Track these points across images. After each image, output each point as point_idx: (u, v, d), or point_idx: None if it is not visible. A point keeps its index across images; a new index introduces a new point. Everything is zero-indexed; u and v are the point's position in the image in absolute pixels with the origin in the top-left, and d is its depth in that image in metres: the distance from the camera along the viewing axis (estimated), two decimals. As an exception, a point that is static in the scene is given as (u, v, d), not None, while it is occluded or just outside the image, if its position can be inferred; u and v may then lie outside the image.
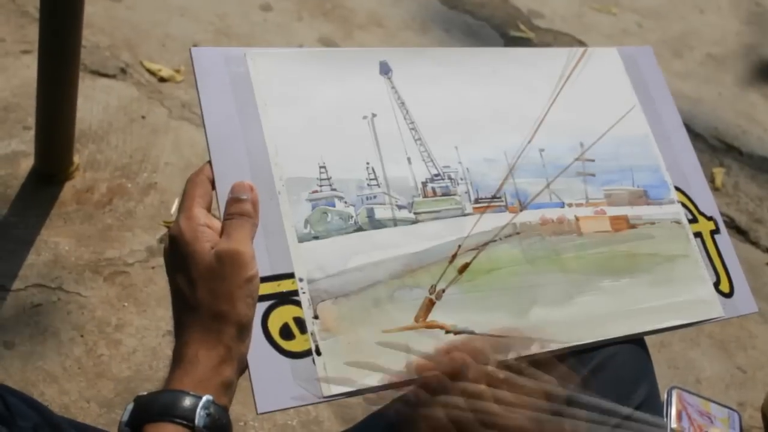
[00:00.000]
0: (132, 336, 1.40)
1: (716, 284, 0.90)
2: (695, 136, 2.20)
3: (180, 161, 1.70)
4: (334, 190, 0.77)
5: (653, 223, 0.89)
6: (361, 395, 0.72)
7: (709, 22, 2.73)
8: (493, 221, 0.82)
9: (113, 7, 2.02)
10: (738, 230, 2.00)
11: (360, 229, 0.76)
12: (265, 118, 0.77)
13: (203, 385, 0.64)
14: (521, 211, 0.84)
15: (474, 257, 0.79)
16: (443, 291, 0.77)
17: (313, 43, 2.13)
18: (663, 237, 0.89)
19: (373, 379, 0.71)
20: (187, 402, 0.62)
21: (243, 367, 0.68)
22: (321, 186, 0.76)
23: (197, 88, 0.75)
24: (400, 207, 0.79)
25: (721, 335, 1.74)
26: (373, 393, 0.72)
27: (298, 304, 0.72)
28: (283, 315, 0.71)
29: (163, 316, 1.43)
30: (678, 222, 0.91)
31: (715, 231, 0.93)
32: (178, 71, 1.90)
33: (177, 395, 0.63)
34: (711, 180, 2.08)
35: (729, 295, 0.90)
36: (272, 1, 2.21)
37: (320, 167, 0.77)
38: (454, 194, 0.81)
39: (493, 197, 0.83)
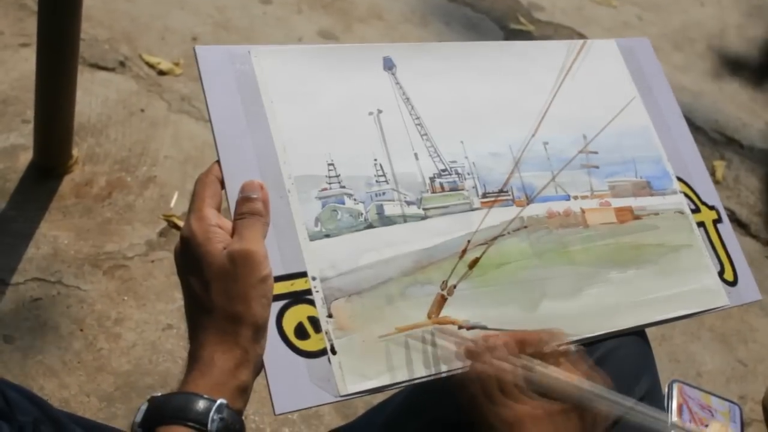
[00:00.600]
0: (132, 330, 1.39)
1: (720, 273, 0.90)
2: (696, 129, 2.20)
3: (179, 154, 1.69)
4: (344, 187, 0.76)
5: (657, 214, 0.90)
6: (377, 393, 0.72)
7: (709, 14, 2.72)
8: (500, 215, 0.82)
9: (112, 0, 2.02)
10: (739, 223, 2.00)
11: (370, 226, 0.76)
12: (272, 116, 0.76)
13: (218, 388, 0.63)
14: (528, 204, 0.84)
15: (483, 252, 0.79)
16: (454, 287, 0.77)
17: (312, 36, 2.13)
18: (667, 227, 0.90)
19: (389, 377, 0.71)
20: (201, 405, 0.62)
21: (259, 369, 0.67)
22: (330, 183, 0.76)
23: (203, 87, 0.75)
24: (408, 203, 0.78)
25: (722, 328, 1.74)
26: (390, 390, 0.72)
27: (311, 303, 0.71)
28: (298, 314, 0.70)
29: (163, 309, 1.43)
30: (681, 212, 0.91)
31: (718, 220, 0.94)
32: (177, 64, 1.90)
33: (191, 398, 0.62)
34: (712, 173, 2.08)
35: (733, 283, 0.91)
36: (271, -6, 2.21)
37: (328, 165, 0.77)
38: (462, 189, 0.81)
39: (500, 191, 0.83)
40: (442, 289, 0.76)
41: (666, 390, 1.49)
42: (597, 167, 0.89)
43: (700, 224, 0.92)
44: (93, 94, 1.77)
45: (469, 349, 0.72)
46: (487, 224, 0.81)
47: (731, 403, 1.52)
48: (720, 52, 2.56)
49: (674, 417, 1.45)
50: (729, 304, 0.89)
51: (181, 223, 1.54)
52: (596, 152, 0.90)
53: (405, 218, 0.78)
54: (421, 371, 0.73)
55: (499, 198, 0.83)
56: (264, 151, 0.75)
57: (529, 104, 0.89)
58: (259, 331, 0.66)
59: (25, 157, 1.59)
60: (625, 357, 0.84)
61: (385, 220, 0.77)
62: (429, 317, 0.75)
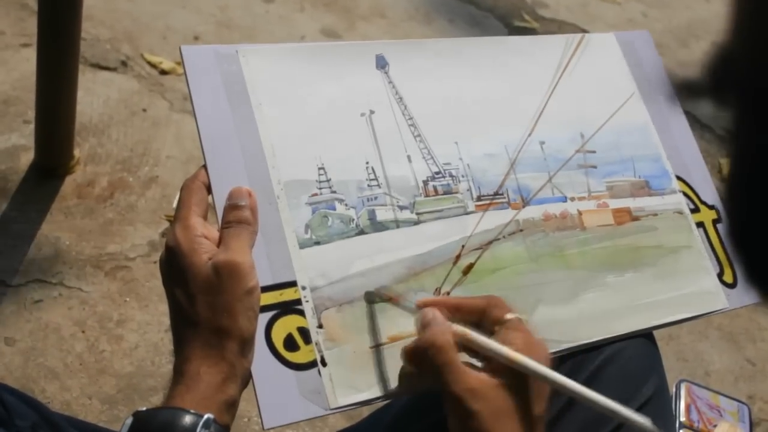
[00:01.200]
0: (134, 331, 1.38)
1: (720, 275, 0.89)
2: (702, 126, 2.18)
3: (182, 154, 1.69)
4: (334, 192, 0.74)
5: (656, 215, 0.88)
6: (369, 405, 0.71)
7: (715, 11, 2.70)
8: (495, 219, 0.80)
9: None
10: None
11: (362, 232, 0.74)
12: (261, 119, 0.74)
13: (205, 403, 0.62)
14: (524, 207, 0.82)
15: (478, 257, 0.77)
16: (448, 293, 0.75)
17: (315, 34, 2.11)
18: (666, 228, 0.88)
19: (381, 388, 0.70)
20: (187, 420, 0.60)
21: (246, 382, 0.66)
22: (320, 188, 0.74)
23: (189, 89, 0.73)
24: (401, 208, 0.77)
25: (730, 327, 1.72)
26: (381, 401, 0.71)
27: (301, 313, 0.70)
28: (287, 325, 0.69)
29: (165, 311, 1.42)
30: (680, 212, 0.90)
31: (717, 220, 0.92)
32: (179, 64, 1.89)
33: (177, 413, 0.61)
34: (719, 170, 2.06)
35: (732, 285, 0.89)
36: (274, -8, 2.20)
37: (319, 169, 0.74)
38: (456, 192, 0.80)
39: (495, 194, 0.81)
40: (436, 296, 0.74)
41: (674, 390, 1.48)
42: (595, 167, 0.87)
43: (700, 224, 0.90)
44: (94, 94, 1.76)
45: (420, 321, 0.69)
46: (482, 228, 0.79)
47: (740, 403, 1.51)
48: (726, 48, 2.55)
49: (682, 417, 1.44)
50: (728, 306, 0.87)
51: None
52: (594, 151, 0.88)
53: (398, 223, 0.76)
54: (414, 383, 0.71)
55: (494, 201, 0.81)
56: (252, 155, 0.73)
57: (525, 102, 0.87)
58: (246, 344, 0.65)
59: (27, 158, 1.59)
60: (632, 357, 0.82)
61: (378, 226, 0.75)
62: None
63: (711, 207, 0.92)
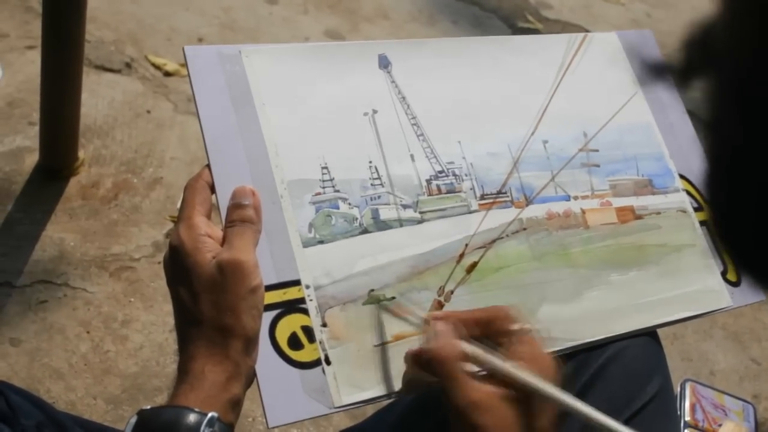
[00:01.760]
0: (139, 332, 1.39)
1: (723, 273, 0.89)
2: (707, 126, 2.18)
3: (186, 156, 1.69)
4: (338, 191, 0.74)
5: (659, 213, 0.88)
6: (373, 403, 0.71)
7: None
8: (499, 217, 0.80)
9: (118, 1, 2.01)
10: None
11: (365, 231, 0.74)
12: (264, 119, 0.74)
13: (210, 401, 0.62)
14: (527, 205, 0.82)
15: (481, 256, 0.78)
16: (452, 292, 0.75)
17: (319, 36, 2.12)
18: (670, 227, 0.88)
19: (385, 387, 0.70)
20: (192, 419, 0.60)
21: (250, 381, 0.66)
22: (324, 187, 0.74)
23: (192, 89, 0.73)
24: (405, 206, 0.77)
25: (735, 327, 1.72)
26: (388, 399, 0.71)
27: (305, 312, 0.70)
28: (291, 324, 0.69)
29: (170, 311, 1.42)
30: (684, 211, 0.90)
31: None
32: (183, 65, 1.88)
33: (181, 411, 0.61)
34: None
35: (736, 284, 0.89)
36: (278, -7, 2.20)
37: (322, 168, 0.75)
38: (459, 191, 0.80)
39: (499, 192, 0.81)
40: (439, 295, 0.74)
41: (678, 389, 1.48)
42: (598, 166, 0.87)
43: (703, 223, 0.90)
44: (99, 96, 1.77)
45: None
46: (485, 227, 0.79)
47: (745, 402, 1.50)
48: (730, 48, 2.54)
49: (687, 416, 1.43)
50: (732, 305, 0.87)
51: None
52: (597, 150, 0.88)
53: (401, 222, 0.76)
54: (417, 381, 0.71)
55: (498, 199, 0.81)
56: (256, 154, 0.73)
57: (528, 101, 0.87)
58: (250, 343, 0.65)
59: (31, 160, 1.59)
60: (636, 356, 0.82)
61: (381, 225, 0.75)
62: (426, 324, 0.73)
63: None
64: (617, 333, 0.81)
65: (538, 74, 0.89)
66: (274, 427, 0.66)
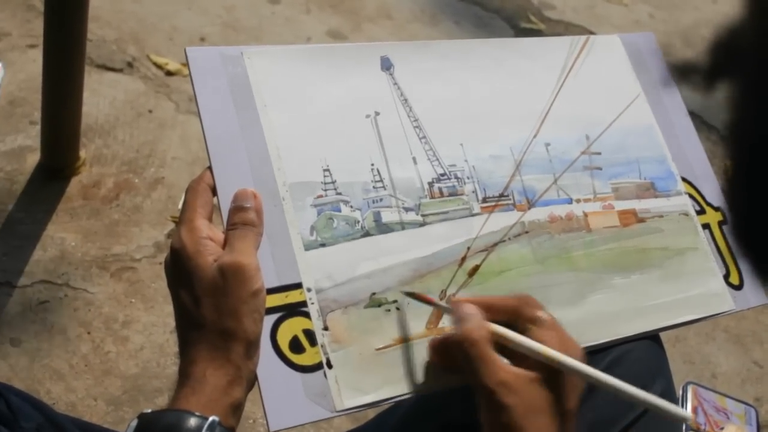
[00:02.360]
0: (139, 333, 1.38)
1: (726, 276, 0.88)
2: (709, 127, 2.18)
3: (187, 156, 1.68)
4: (340, 194, 0.74)
5: (662, 216, 0.88)
6: (375, 407, 0.70)
7: (722, 12, 2.69)
8: (501, 221, 0.80)
9: (120, 1, 2.01)
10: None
11: (367, 234, 0.74)
12: (266, 121, 0.74)
13: (211, 405, 0.62)
14: (529, 208, 0.82)
15: (484, 259, 0.77)
16: (454, 296, 0.75)
17: (321, 36, 2.11)
18: (672, 230, 0.88)
19: (387, 390, 0.70)
20: (193, 423, 0.60)
21: (251, 385, 0.66)
22: (326, 190, 0.74)
23: (194, 91, 0.73)
24: (407, 209, 0.76)
25: (737, 329, 1.72)
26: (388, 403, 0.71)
27: (307, 315, 0.69)
28: (293, 327, 0.68)
29: (171, 312, 1.41)
30: (686, 214, 0.89)
31: (723, 222, 0.91)
32: (185, 65, 1.87)
33: (182, 415, 0.60)
34: (725, 171, 2.05)
35: (739, 287, 0.89)
36: (280, -7, 2.20)
37: (324, 170, 0.74)
38: (462, 194, 0.79)
39: (501, 195, 0.81)
40: (441, 299, 0.74)
41: (680, 392, 1.47)
42: (600, 169, 0.87)
43: (705, 226, 0.90)
44: (100, 95, 1.76)
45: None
46: (488, 230, 0.79)
47: (747, 406, 1.50)
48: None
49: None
50: (734, 308, 0.87)
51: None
52: (599, 153, 0.87)
53: (403, 225, 0.76)
54: (420, 384, 0.71)
55: (500, 203, 0.81)
56: (257, 157, 0.72)
57: (530, 104, 0.87)
58: (252, 346, 0.65)
59: (33, 159, 1.59)
60: (639, 360, 0.82)
61: (383, 228, 0.75)
62: (428, 328, 0.73)
63: (717, 209, 0.92)
64: (620, 336, 0.80)
65: (541, 77, 0.88)
66: (275, 431, 0.65)
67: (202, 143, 0.71)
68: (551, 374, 0.65)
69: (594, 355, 0.80)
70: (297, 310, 0.69)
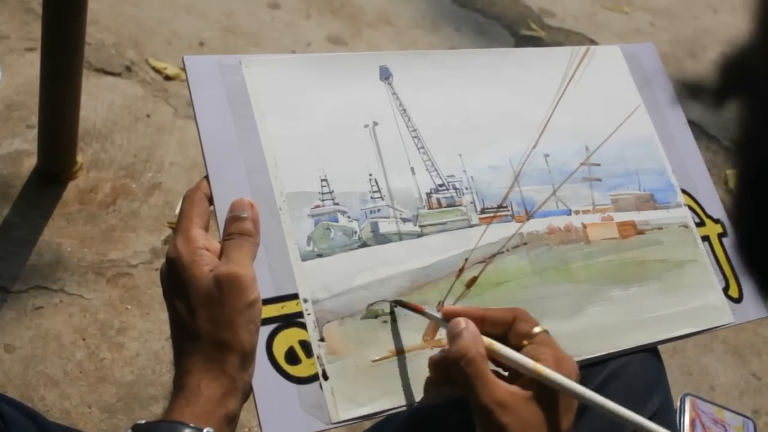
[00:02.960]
0: (135, 339, 1.38)
1: (725, 289, 0.88)
2: (709, 137, 2.17)
3: (185, 161, 1.68)
4: (337, 204, 0.74)
5: (661, 228, 0.87)
6: (371, 419, 0.70)
7: (722, 21, 2.69)
8: (499, 232, 0.79)
9: (119, 4, 2.00)
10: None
11: (364, 244, 0.74)
12: (263, 130, 0.73)
13: (205, 417, 0.61)
14: (528, 220, 0.81)
15: (481, 270, 0.77)
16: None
17: (321, 41, 2.11)
18: (671, 242, 0.87)
19: (383, 402, 0.69)
20: None
21: (246, 396, 0.65)
22: (323, 200, 0.73)
23: (191, 99, 0.72)
24: (404, 220, 0.76)
25: (736, 341, 1.71)
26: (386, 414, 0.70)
27: (303, 326, 0.69)
28: (289, 338, 0.68)
29: (166, 319, 1.38)
30: (686, 226, 0.89)
31: (723, 234, 0.91)
32: (183, 69, 1.88)
33: (176, 427, 0.60)
34: (725, 182, 2.05)
35: (738, 300, 0.88)
36: (280, -1, 2.19)
37: (322, 180, 0.74)
38: (460, 205, 0.79)
39: (499, 206, 0.81)
40: (438, 310, 0.73)
41: (678, 404, 1.47)
42: (599, 180, 0.87)
43: (705, 238, 0.90)
44: (98, 99, 1.76)
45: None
46: (486, 241, 0.78)
47: (745, 418, 1.49)
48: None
49: (687, 431, 1.42)
50: (734, 321, 0.87)
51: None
52: (599, 164, 0.87)
53: (401, 236, 0.75)
54: (416, 396, 0.70)
55: (498, 213, 0.80)
56: (255, 166, 0.72)
57: (530, 114, 0.86)
58: (247, 358, 0.64)
59: (29, 163, 1.58)
60: (637, 372, 0.82)
61: (380, 239, 0.74)
62: (424, 340, 0.72)
63: (716, 221, 0.91)
64: (618, 349, 0.80)
65: (541, 87, 0.88)
66: None
67: (200, 149, 0.71)
68: (546, 392, 0.64)
69: (592, 367, 0.79)
70: (293, 321, 0.69)
